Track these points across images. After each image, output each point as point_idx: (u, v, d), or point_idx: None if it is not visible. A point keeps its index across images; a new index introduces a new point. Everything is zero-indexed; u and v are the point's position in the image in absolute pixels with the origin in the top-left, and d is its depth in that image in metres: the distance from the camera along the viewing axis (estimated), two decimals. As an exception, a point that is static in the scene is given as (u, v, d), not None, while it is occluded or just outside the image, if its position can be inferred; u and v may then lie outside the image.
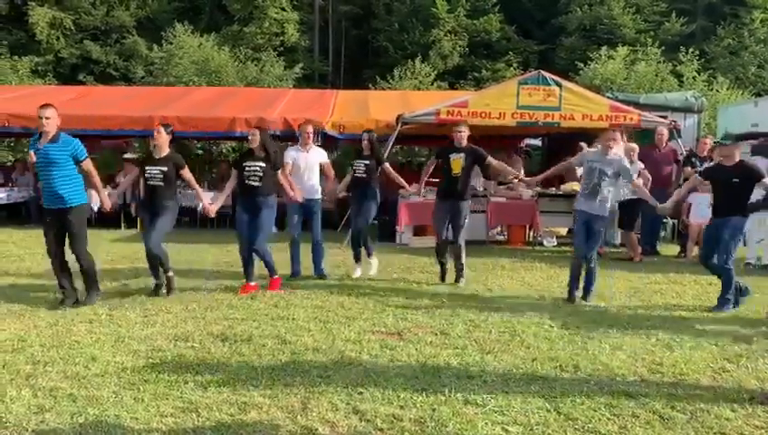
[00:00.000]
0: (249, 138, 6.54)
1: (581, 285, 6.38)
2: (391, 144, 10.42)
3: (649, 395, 3.77)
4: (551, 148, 14.04)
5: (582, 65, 24.33)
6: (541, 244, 10.39)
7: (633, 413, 3.51)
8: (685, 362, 4.40)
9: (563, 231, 11.26)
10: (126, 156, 13.46)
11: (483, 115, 9.86)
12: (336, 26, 34.43)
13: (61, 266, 5.85)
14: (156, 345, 4.58)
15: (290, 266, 7.25)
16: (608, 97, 11.50)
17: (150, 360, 4.27)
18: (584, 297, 6.36)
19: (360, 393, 3.71)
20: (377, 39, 32.55)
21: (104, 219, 11.80)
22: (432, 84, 25.68)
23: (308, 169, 7.19)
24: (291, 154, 7.18)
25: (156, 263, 6.25)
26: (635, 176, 7.10)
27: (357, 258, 7.54)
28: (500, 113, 9.81)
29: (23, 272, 7.37)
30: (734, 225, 6.01)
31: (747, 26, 28.77)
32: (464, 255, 7.12)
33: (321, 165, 7.30)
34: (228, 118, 11.85)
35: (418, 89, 23.14)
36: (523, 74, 12.71)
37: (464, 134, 7.05)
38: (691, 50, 24.05)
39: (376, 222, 9.10)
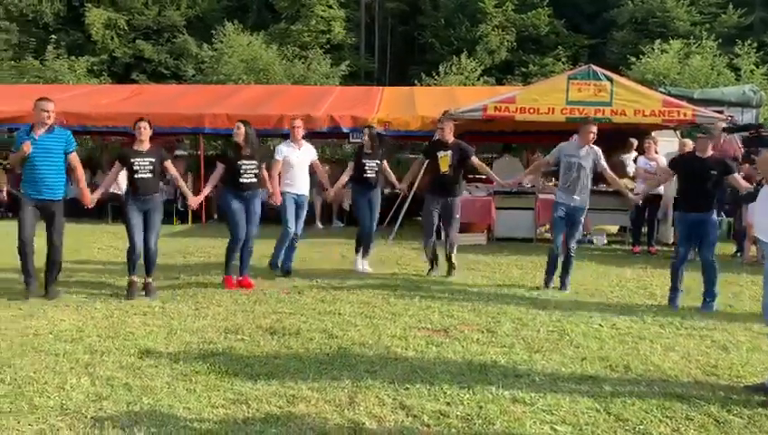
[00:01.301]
0: (234, 131, 6.58)
1: (556, 276, 6.61)
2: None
3: (704, 398, 3.66)
4: (600, 143, 13.75)
5: (634, 59, 23.72)
6: (591, 242, 10.21)
7: (687, 416, 3.42)
8: (741, 365, 4.27)
9: (613, 229, 11.06)
10: (177, 153, 13.78)
11: (531, 111, 9.73)
12: (382, 23, 34.48)
13: (29, 251, 5.84)
14: (207, 338, 4.69)
15: (278, 262, 7.19)
16: (660, 92, 11.21)
17: (202, 352, 4.37)
18: (562, 286, 6.55)
19: (407, 389, 3.72)
20: (423, 35, 32.42)
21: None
22: (478, 80, 25.44)
23: (300, 165, 7.15)
24: (283, 151, 7.12)
25: (149, 262, 6.19)
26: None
27: (358, 251, 7.54)
28: (549, 109, 9.66)
29: (78, 264, 7.63)
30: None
31: (809, 17, 27.60)
32: (455, 250, 7.17)
33: (311, 162, 7.29)
34: (276, 115, 12.03)
35: (464, 85, 22.98)
36: (572, 69, 12.49)
37: (446, 130, 7.03)
38: (749, 42, 23.18)
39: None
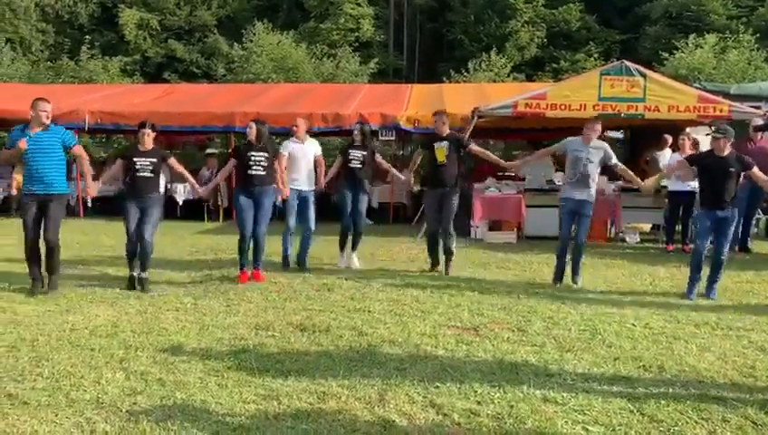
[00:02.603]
0: (247, 130, 6.74)
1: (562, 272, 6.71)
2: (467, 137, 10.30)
3: (741, 399, 3.58)
4: (634, 140, 13.55)
5: (667, 55, 23.29)
6: (623, 240, 10.06)
7: (723, 418, 3.35)
8: (780, 367, 4.17)
9: (647, 227, 10.88)
10: (208, 151, 13.96)
11: (562, 107, 9.61)
12: (411, 20, 34.41)
13: (35, 254, 6.01)
14: (238, 334, 4.74)
15: (287, 256, 7.38)
16: (695, 87, 10.98)
17: (233, 348, 4.42)
18: (574, 280, 6.68)
19: (437, 387, 3.71)
20: (452, 32, 32.26)
21: (190, 212, 12.33)
22: (508, 76, 25.25)
23: (305, 160, 7.29)
24: (288, 146, 7.29)
25: (144, 255, 6.28)
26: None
27: (342, 248, 7.59)
28: (581, 105, 9.53)
29: (114, 261, 7.76)
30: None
31: None
32: (453, 244, 7.15)
33: (315, 157, 7.40)
34: (306, 114, 12.05)
35: (494, 81, 22.82)
36: (604, 65, 12.31)
37: (440, 123, 7.16)
38: (788, 36, 22.61)
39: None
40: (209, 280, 6.72)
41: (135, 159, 6.29)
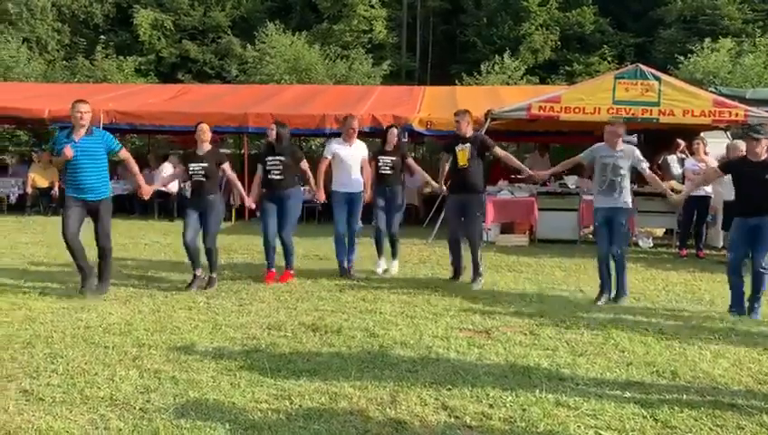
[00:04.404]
0: (267, 132, 6.79)
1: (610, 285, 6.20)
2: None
3: (756, 407, 3.54)
4: (648, 144, 13.47)
5: (682, 58, 23.15)
6: (636, 244, 10.01)
7: (738, 425, 3.32)
8: (796, 374, 4.13)
9: (660, 232, 10.82)
10: (221, 151, 14.01)
11: (576, 110, 9.59)
12: (424, 22, 34.39)
13: (78, 250, 5.97)
14: (250, 333, 4.75)
15: (345, 264, 7.13)
16: (711, 92, 10.91)
17: (245, 347, 4.43)
18: (618, 297, 6.12)
19: (449, 390, 3.70)
20: (465, 34, 32.22)
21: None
22: (521, 79, 25.19)
23: (353, 162, 7.06)
24: (332, 148, 7.09)
25: (209, 262, 6.43)
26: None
27: (381, 253, 7.39)
28: (594, 108, 9.51)
29: (127, 260, 7.82)
30: None
31: None
32: (480, 253, 6.75)
33: (362, 159, 7.13)
34: (318, 115, 12.13)
35: (507, 84, 22.77)
36: (618, 68, 12.27)
37: (463, 123, 6.76)
38: (805, 40, 22.41)
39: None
40: (222, 279, 6.75)
41: (189, 164, 6.44)
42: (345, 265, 7.08)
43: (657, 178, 6.68)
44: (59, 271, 6.92)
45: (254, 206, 6.93)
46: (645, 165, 6.29)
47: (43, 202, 12.84)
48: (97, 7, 30.81)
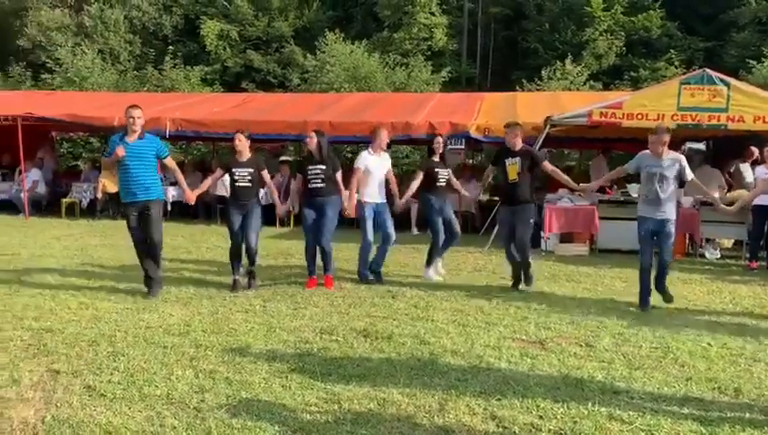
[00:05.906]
0: (306, 140, 6.93)
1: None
2: (538, 147, 10.14)
3: (826, 429, 3.36)
4: (717, 151, 12.96)
5: (755, 63, 22.17)
6: (702, 256, 9.63)
7: (805, 447, 3.16)
8: None
9: (728, 243, 10.37)
10: (282, 158, 14.28)
11: (639, 117, 9.32)
12: (485, 29, 34.16)
13: (145, 254, 6.22)
14: (303, 337, 4.83)
15: (366, 272, 7.10)
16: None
17: (298, 351, 4.50)
18: (668, 300, 6.26)
19: (499, 400, 3.66)
20: (527, 40, 31.79)
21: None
22: (584, 85, 24.67)
23: (382, 172, 7.14)
24: (364, 158, 7.09)
25: (250, 258, 6.66)
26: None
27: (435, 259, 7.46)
28: (658, 115, 9.20)
29: (189, 263, 8.07)
30: None
31: None
32: (529, 256, 6.77)
33: (387, 170, 7.22)
34: (376, 123, 12.17)
35: (569, 90, 22.34)
36: (685, 73, 11.87)
37: (512, 136, 6.76)
38: None
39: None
40: (278, 283, 6.88)
41: (234, 170, 6.64)
42: (367, 274, 7.09)
43: (702, 186, 6.51)
44: (124, 274, 7.20)
45: (283, 214, 7.13)
46: (689, 175, 6.17)
47: (112, 206, 13.36)
48: (166, 19, 31.97)
